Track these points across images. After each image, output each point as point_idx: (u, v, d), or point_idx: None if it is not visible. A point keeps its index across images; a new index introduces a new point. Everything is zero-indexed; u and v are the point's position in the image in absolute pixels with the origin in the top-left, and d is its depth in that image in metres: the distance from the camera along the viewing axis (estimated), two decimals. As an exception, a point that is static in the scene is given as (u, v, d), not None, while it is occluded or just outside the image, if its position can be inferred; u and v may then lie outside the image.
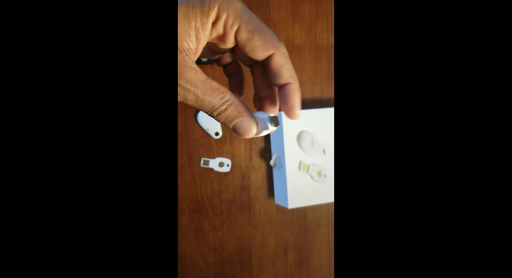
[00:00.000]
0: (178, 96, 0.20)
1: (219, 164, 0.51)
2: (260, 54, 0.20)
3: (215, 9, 0.19)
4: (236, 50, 0.22)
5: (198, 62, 0.49)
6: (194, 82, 0.20)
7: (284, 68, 0.20)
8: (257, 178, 0.52)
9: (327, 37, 0.53)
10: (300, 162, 0.47)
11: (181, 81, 0.19)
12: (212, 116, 0.20)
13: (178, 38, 0.19)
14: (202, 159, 0.51)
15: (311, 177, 0.47)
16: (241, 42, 0.20)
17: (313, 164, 0.47)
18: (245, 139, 0.52)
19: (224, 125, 0.21)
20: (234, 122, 0.20)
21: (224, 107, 0.20)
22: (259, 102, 0.23)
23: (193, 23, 0.19)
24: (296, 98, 0.20)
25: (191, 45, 0.20)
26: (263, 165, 0.52)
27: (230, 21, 0.19)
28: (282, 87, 0.21)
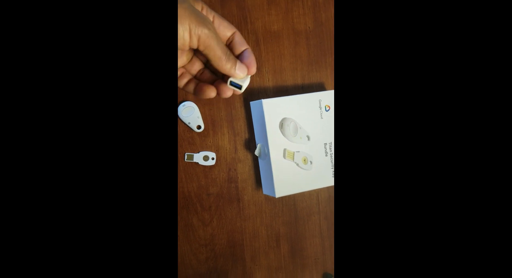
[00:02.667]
0: (210, 31, 0.27)
1: (204, 158, 0.50)
2: (227, 34, 0.31)
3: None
4: None
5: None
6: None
7: (242, 40, 0.31)
8: (244, 169, 0.51)
9: (304, 21, 0.52)
10: (285, 150, 0.46)
11: (211, 27, 0.28)
12: (220, 64, 0.29)
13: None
14: (186, 153, 0.50)
15: (297, 164, 0.46)
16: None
17: (298, 151, 0.46)
18: (228, 131, 0.51)
19: (227, 73, 0.30)
20: (236, 66, 0.30)
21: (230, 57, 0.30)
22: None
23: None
24: (253, 56, 0.31)
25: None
26: (248, 156, 0.51)
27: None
28: (243, 52, 0.31)
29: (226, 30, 0.30)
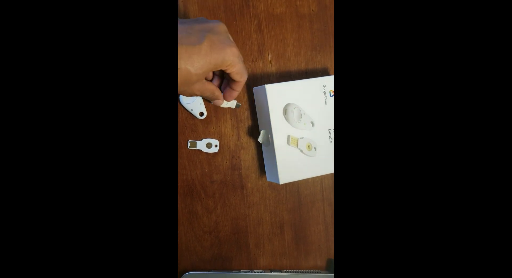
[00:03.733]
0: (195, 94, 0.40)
1: (207, 145, 0.50)
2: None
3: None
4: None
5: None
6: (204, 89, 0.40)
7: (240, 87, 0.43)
8: (247, 157, 0.51)
9: (308, 4, 0.51)
10: (289, 136, 0.45)
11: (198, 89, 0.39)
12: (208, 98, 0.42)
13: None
14: (189, 141, 0.49)
15: (301, 151, 0.46)
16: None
17: (302, 138, 0.46)
18: (231, 118, 0.50)
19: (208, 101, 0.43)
20: (215, 100, 0.43)
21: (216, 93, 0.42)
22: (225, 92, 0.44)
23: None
24: (234, 95, 0.44)
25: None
26: (252, 143, 0.51)
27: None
28: (233, 88, 0.42)
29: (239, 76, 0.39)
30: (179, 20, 0.36)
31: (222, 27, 0.36)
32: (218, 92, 0.42)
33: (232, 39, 0.37)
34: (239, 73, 0.38)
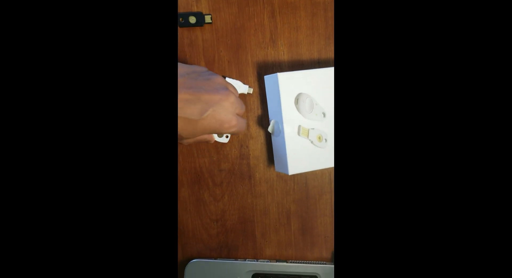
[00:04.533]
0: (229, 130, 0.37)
1: (218, 134, 0.49)
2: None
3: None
4: None
5: (186, 24, 0.46)
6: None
7: None
8: (256, 146, 0.50)
9: (323, -9, 0.49)
10: (299, 127, 0.44)
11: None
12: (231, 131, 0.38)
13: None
14: (198, 129, 0.49)
15: (311, 142, 0.45)
16: None
17: (313, 128, 0.45)
18: (241, 106, 0.50)
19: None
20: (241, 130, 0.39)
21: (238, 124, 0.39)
22: None
23: None
24: None
25: None
26: (261, 133, 0.50)
27: None
28: None
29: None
30: (179, 65, 0.33)
31: (229, 99, 0.34)
32: (209, 138, 0.42)
33: (237, 103, 0.36)
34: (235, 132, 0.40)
